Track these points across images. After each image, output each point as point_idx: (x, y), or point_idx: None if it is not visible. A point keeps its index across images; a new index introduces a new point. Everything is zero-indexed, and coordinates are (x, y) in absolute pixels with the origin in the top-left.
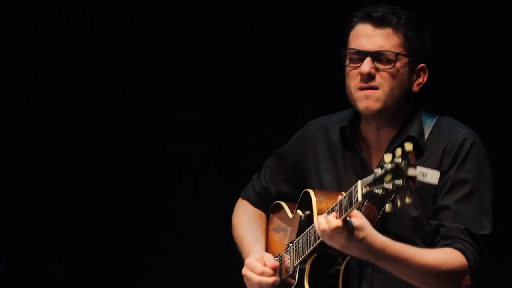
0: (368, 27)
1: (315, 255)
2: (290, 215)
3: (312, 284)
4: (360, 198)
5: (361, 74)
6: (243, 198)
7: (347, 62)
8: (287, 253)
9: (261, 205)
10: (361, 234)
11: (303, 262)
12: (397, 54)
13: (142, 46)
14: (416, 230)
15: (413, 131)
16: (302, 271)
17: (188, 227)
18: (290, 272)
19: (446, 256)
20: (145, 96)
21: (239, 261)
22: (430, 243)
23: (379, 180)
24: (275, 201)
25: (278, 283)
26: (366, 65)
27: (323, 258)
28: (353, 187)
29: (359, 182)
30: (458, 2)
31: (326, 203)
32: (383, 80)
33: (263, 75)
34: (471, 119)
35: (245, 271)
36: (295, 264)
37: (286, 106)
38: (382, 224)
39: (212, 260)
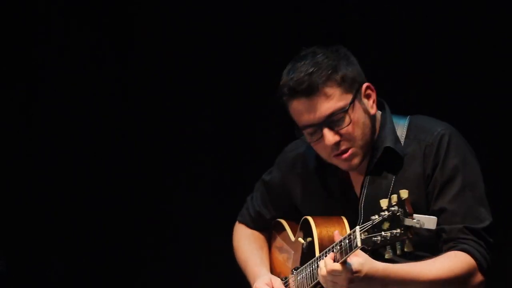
0: (302, 101)
1: (319, 286)
2: (292, 237)
3: None
4: (359, 244)
5: (328, 147)
6: (240, 222)
7: (307, 137)
8: (292, 278)
9: (258, 228)
10: (361, 274)
11: None
12: (345, 109)
13: (142, 46)
14: (416, 243)
15: (387, 141)
16: None
17: (188, 227)
18: None
19: (452, 262)
20: (145, 97)
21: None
22: (432, 246)
23: (377, 228)
24: (271, 221)
25: None
26: (329, 137)
27: None
28: (351, 231)
29: (357, 228)
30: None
31: (327, 230)
32: (349, 138)
33: (262, 77)
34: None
35: None
36: None
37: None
38: None
39: (212, 261)
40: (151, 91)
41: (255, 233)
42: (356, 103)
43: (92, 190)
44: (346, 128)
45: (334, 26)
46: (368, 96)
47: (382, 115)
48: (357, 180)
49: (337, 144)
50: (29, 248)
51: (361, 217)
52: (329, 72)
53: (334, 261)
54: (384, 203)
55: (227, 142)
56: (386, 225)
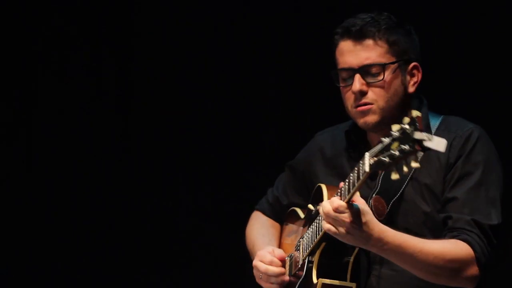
0: (349, 43)
1: (324, 244)
2: (302, 215)
3: (321, 274)
4: (367, 169)
5: (353, 93)
6: (257, 210)
7: (340, 81)
8: (297, 250)
9: (274, 215)
10: (363, 218)
11: (312, 253)
12: (383, 64)
13: (143, 47)
14: (427, 225)
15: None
16: (310, 263)
17: (189, 227)
18: (299, 265)
19: (451, 246)
20: (145, 97)
21: (243, 264)
22: (435, 227)
23: (386, 149)
24: (287, 209)
25: (286, 276)
26: (357, 84)
27: (332, 248)
28: (360, 160)
29: (367, 154)
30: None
31: None
32: (375, 94)
33: (269, 80)
34: (479, 119)
35: (255, 261)
36: (304, 257)
37: (293, 111)
38: (392, 219)
39: (215, 261)
40: (151, 91)
41: (270, 221)
42: (398, 70)
43: (92, 190)
44: (377, 83)
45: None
46: (412, 75)
47: (418, 106)
48: None
49: (362, 93)
50: (28, 247)
51: (377, 188)
52: (384, 28)
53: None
54: (395, 126)
55: (227, 142)
56: (395, 144)
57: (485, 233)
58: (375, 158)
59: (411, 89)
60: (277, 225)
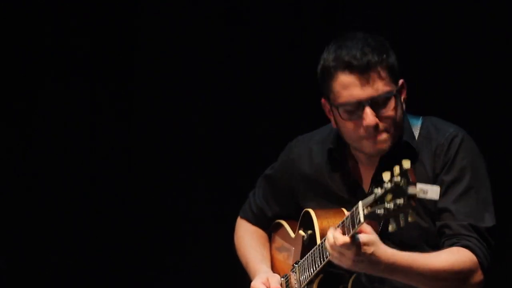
0: (353, 77)
1: (321, 275)
2: (292, 234)
3: None
4: (362, 219)
5: (366, 127)
6: (242, 217)
7: (342, 115)
8: (293, 273)
9: (260, 224)
10: (369, 250)
11: (310, 283)
12: (393, 93)
13: (145, 47)
14: (425, 240)
15: (405, 136)
16: None
17: (189, 227)
18: None
19: (455, 256)
20: (145, 97)
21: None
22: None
23: (380, 200)
24: (273, 220)
25: None
26: (371, 118)
27: (329, 278)
28: (354, 208)
29: (360, 203)
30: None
31: (328, 222)
32: (387, 124)
33: (262, 81)
34: (463, 119)
35: None
36: (302, 285)
37: (286, 110)
38: (389, 236)
39: (214, 262)
40: (151, 91)
41: (258, 231)
42: (398, 94)
43: (93, 190)
44: (389, 113)
45: (334, 26)
46: (402, 92)
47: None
48: (366, 175)
49: (375, 126)
50: (29, 246)
51: None
52: (383, 56)
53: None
54: (386, 176)
55: (227, 142)
56: (389, 197)
57: (483, 236)
58: (369, 209)
59: (404, 106)
60: (264, 234)
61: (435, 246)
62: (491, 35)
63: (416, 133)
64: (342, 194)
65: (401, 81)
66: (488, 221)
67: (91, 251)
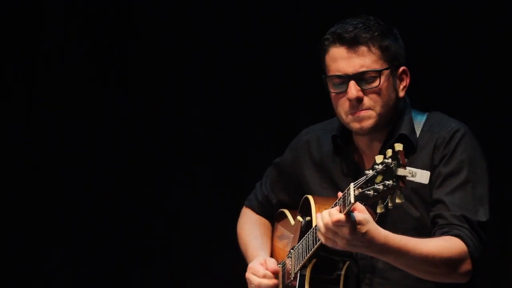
0: (342, 50)
1: (314, 260)
2: (292, 222)
3: None
4: (352, 200)
5: (349, 100)
6: (247, 206)
7: (331, 88)
8: (289, 259)
9: (264, 213)
10: (363, 229)
11: (304, 267)
12: (378, 71)
13: (144, 47)
14: (419, 230)
15: (403, 129)
16: (303, 277)
17: (189, 227)
18: (292, 277)
19: (446, 244)
20: (145, 98)
21: (240, 264)
22: (423, 230)
23: (370, 182)
24: (277, 209)
25: (279, 287)
26: (353, 91)
27: (323, 263)
28: (346, 190)
29: (352, 185)
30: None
31: (326, 208)
32: (372, 101)
33: (264, 79)
34: (468, 117)
35: (248, 274)
36: (296, 270)
37: (288, 109)
38: (383, 225)
39: (214, 262)
40: (151, 91)
41: (261, 219)
42: (390, 76)
43: (92, 189)
44: (373, 89)
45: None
46: (401, 79)
47: (404, 107)
48: (369, 164)
49: (358, 101)
50: (28, 245)
51: None
52: (376, 34)
53: None
54: (379, 158)
55: (227, 142)
56: (379, 178)
57: (475, 228)
58: (360, 190)
59: (401, 93)
60: (267, 223)
61: (429, 236)
62: (500, 31)
63: (419, 128)
64: (344, 181)
65: (402, 67)
66: (482, 216)
67: (91, 251)
